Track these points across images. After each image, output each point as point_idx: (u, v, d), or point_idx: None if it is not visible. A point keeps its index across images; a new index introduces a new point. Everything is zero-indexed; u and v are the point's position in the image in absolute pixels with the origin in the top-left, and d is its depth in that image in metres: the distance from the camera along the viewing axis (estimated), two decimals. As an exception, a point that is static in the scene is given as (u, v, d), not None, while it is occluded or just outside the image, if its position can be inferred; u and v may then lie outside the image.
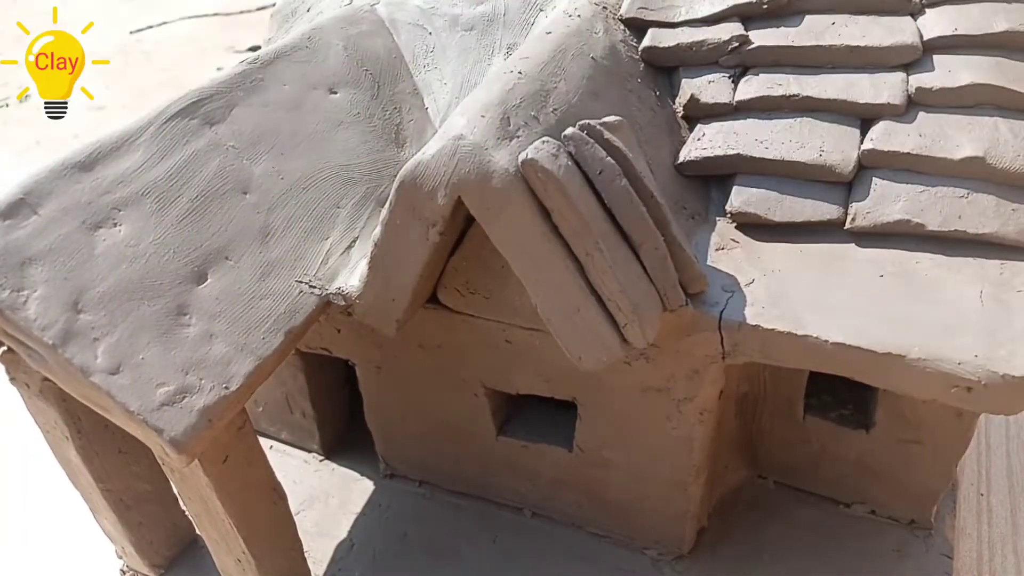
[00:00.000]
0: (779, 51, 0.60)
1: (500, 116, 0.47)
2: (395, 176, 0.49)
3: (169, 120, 0.55)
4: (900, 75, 0.57)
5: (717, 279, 0.52)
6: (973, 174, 0.53)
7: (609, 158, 0.45)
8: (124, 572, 0.71)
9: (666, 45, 0.62)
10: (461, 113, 0.48)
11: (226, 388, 0.48)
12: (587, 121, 0.46)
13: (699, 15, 0.63)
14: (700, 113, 0.61)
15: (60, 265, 0.47)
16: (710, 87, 0.61)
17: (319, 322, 0.57)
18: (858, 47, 0.58)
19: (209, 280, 0.51)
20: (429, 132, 0.67)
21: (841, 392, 0.65)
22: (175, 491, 0.63)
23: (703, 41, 0.61)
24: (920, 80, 0.56)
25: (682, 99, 0.61)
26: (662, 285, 0.47)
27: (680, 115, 0.62)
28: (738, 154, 0.57)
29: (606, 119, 0.47)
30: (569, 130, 0.45)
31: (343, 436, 0.79)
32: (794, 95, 0.58)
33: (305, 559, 0.64)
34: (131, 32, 2.37)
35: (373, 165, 0.62)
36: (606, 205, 0.46)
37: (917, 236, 0.53)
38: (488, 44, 0.68)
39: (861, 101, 0.56)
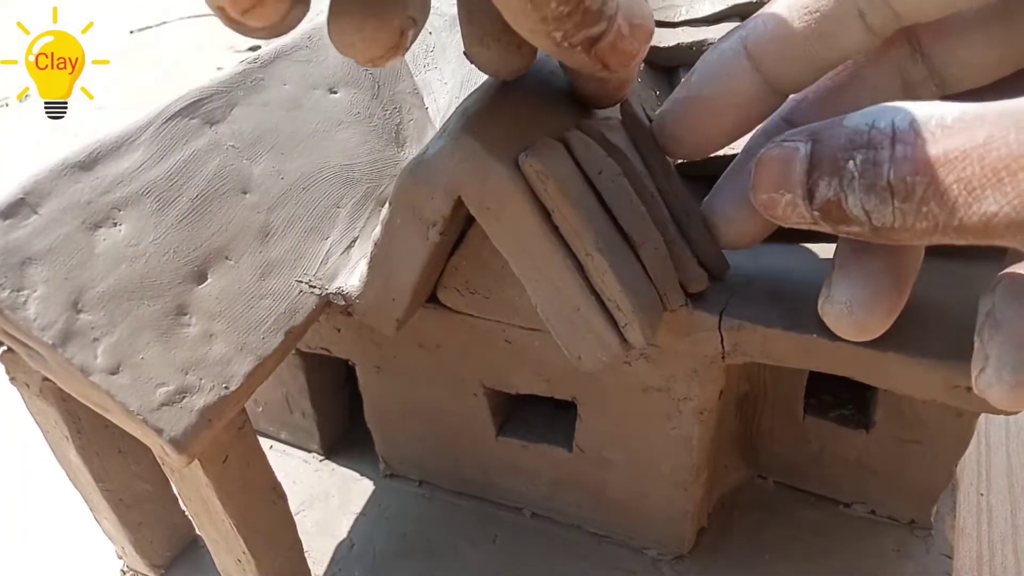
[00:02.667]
0: (779, 51, 0.60)
1: (501, 116, 0.47)
2: (395, 176, 0.49)
3: (169, 120, 0.55)
4: (900, 75, 0.57)
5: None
6: (973, 174, 0.53)
7: (609, 158, 0.45)
8: (124, 572, 0.71)
9: (666, 45, 0.62)
10: (461, 112, 0.48)
11: (226, 388, 0.48)
12: (587, 121, 0.46)
13: (700, 15, 0.63)
14: (700, 113, 0.61)
15: (60, 265, 0.47)
16: (710, 87, 0.61)
17: (319, 322, 0.57)
18: (858, 47, 0.58)
19: (209, 280, 0.51)
20: (429, 132, 0.67)
21: (841, 392, 0.65)
22: (175, 491, 0.63)
23: (703, 41, 0.61)
24: (920, 80, 0.56)
25: (682, 99, 0.61)
26: (662, 285, 0.47)
27: (680, 115, 0.62)
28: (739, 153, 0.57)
29: (607, 117, 0.47)
30: (570, 131, 0.45)
31: (343, 436, 0.79)
32: (794, 95, 0.58)
33: (305, 559, 0.64)
34: (131, 32, 2.36)
35: (373, 165, 0.62)
36: (606, 205, 0.46)
37: (917, 236, 0.53)
38: (488, 44, 0.68)
39: (861, 101, 0.56)
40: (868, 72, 0.42)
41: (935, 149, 0.30)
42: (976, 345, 0.39)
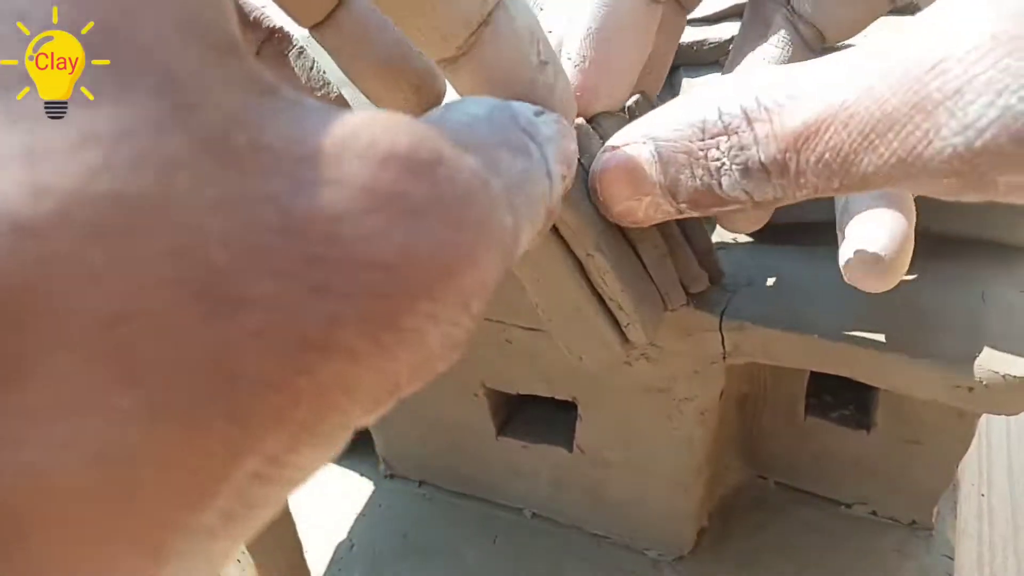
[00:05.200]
0: (780, 50, 0.60)
1: (500, 115, 0.47)
2: (395, 175, 0.49)
3: (169, 119, 0.55)
4: (901, 74, 0.57)
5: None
6: (975, 174, 0.53)
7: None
8: (123, 572, 0.71)
9: (667, 44, 0.62)
10: (461, 112, 0.47)
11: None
12: (593, 116, 0.46)
13: (700, 14, 0.63)
14: (701, 112, 0.61)
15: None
16: (711, 86, 0.60)
17: (319, 322, 0.57)
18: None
19: (208, 279, 0.51)
20: (429, 131, 0.67)
21: (842, 392, 0.65)
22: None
23: (704, 40, 0.61)
24: (921, 79, 0.56)
25: (683, 98, 0.61)
26: (663, 284, 0.47)
27: (681, 114, 0.61)
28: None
29: (613, 114, 0.47)
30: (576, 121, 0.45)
31: (343, 436, 0.79)
32: (795, 94, 0.58)
33: (304, 559, 0.63)
34: (131, 32, 2.36)
35: (373, 164, 0.62)
36: None
37: (920, 235, 0.53)
38: (488, 43, 0.68)
39: (862, 100, 0.56)
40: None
41: (794, 122, 0.30)
42: (839, 238, 0.41)
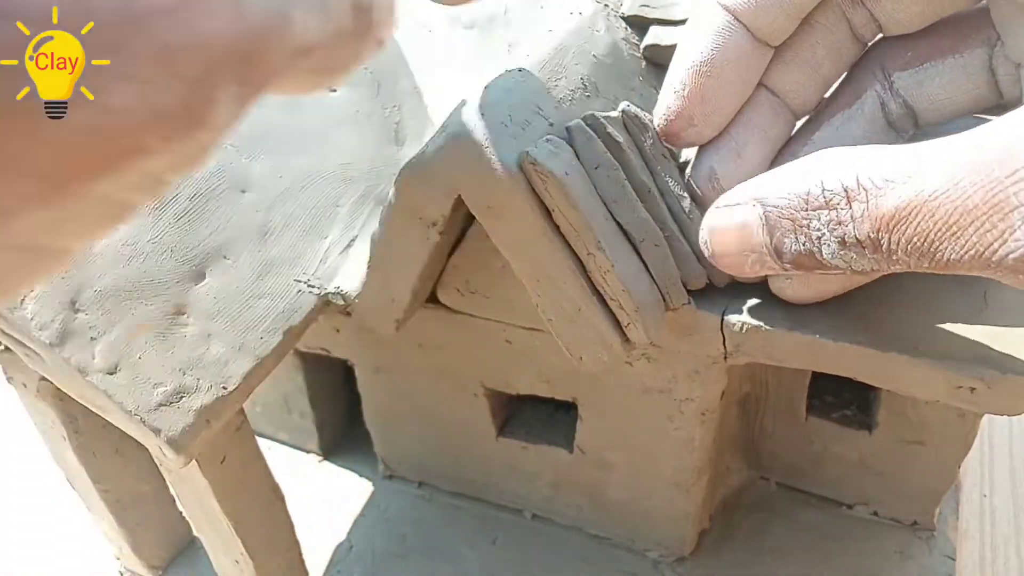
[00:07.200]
0: (781, 49, 0.60)
1: (501, 114, 0.47)
2: (394, 175, 0.48)
3: (167, 118, 0.54)
4: (903, 73, 0.57)
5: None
6: (977, 173, 0.53)
7: (607, 153, 0.45)
8: (122, 574, 0.71)
9: (668, 43, 0.62)
10: (461, 111, 0.47)
11: (224, 388, 0.48)
12: (592, 112, 0.46)
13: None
14: (702, 112, 0.61)
15: (57, 264, 0.46)
16: (712, 86, 0.60)
17: (318, 322, 0.57)
18: (861, 45, 0.58)
19: (207, 279, 0.51)
20: (429, 131, 0.67)
21: (844, 393, 0.65)
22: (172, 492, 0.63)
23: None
24: (923, 78, 0.56)
25: (683, 98, 0.61)
26: (664, 283, 0.47)
27: (681, 114, 0.61)
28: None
29: (609, 113, 0.47)
30: (574, 122, 0.45)
31: (342, 437, 0.79)
32: (796, 94, 0.57)
33: (303, 560, 0.63)
34: (131, 32, 2.36)
35: (372, 163, 0.62)
36: (604, 200, 0.45)
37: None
38: (489, 42, 0.68)
39: (864, 100, 0.56)
40: (819, 18, 0.44)
41: (887, 205, 0.33)
42: None
